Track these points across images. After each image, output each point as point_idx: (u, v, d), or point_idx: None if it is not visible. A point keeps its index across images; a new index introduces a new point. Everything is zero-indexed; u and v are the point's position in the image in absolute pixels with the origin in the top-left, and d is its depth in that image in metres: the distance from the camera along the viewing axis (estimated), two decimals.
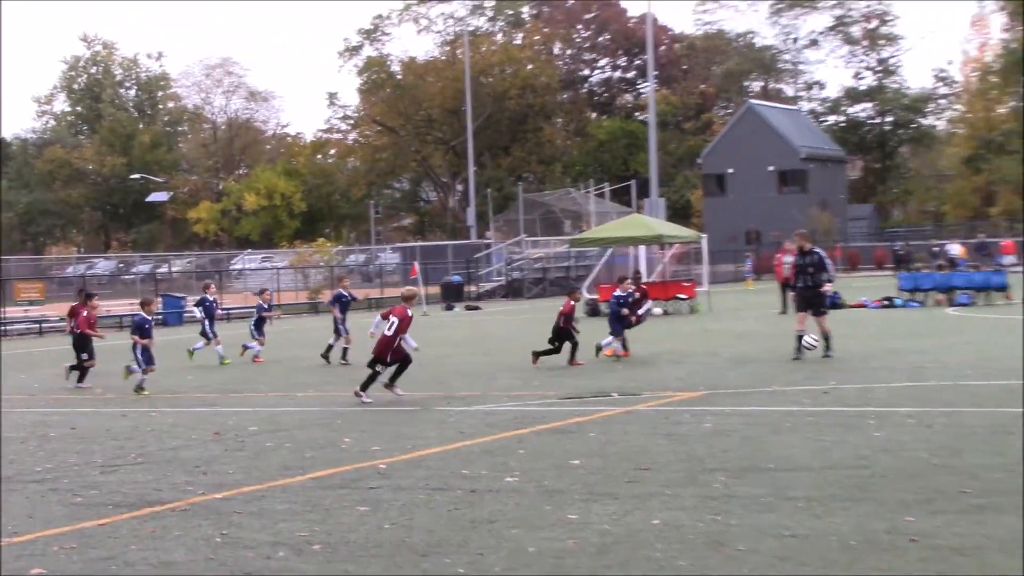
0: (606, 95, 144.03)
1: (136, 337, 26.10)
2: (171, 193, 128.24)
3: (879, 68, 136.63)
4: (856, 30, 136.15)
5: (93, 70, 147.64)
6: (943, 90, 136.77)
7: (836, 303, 30.62)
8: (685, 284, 53.06)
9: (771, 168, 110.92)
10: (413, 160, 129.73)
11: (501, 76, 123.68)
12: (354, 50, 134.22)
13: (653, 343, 33.25)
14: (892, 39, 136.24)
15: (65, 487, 14.61)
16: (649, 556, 10.39)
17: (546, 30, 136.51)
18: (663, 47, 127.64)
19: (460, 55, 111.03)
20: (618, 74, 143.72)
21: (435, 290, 65.97)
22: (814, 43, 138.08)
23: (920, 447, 15.40)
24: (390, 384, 22.34)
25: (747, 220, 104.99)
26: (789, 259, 40.83)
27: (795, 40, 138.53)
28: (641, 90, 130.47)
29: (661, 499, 12.71)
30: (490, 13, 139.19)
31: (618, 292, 30.94)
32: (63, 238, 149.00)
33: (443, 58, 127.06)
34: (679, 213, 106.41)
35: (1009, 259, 76.40)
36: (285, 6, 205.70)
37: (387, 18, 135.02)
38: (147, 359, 25.90)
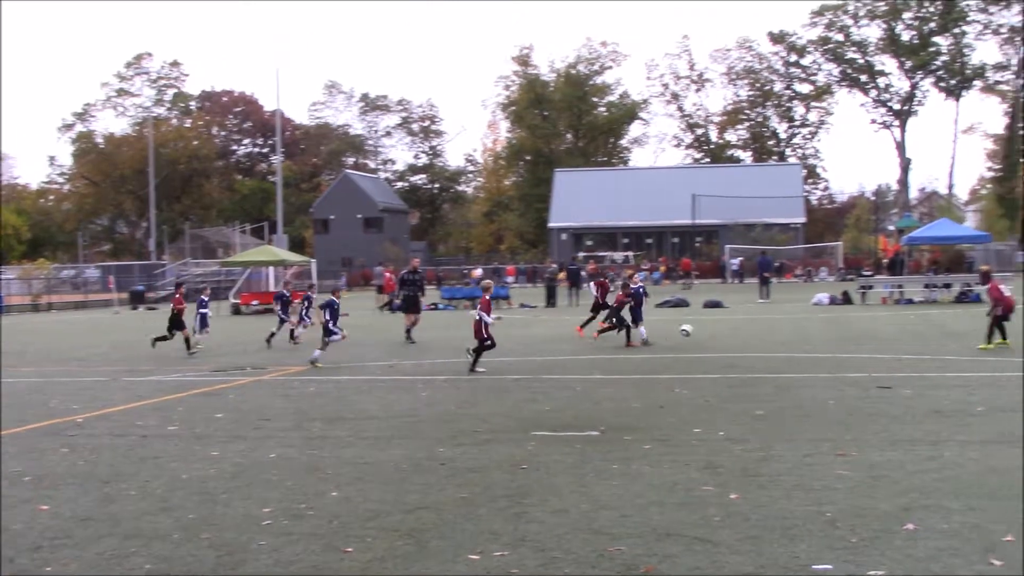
0: (248, 163, 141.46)
1: (326, 316, 22.46)
2: None
3: (430, 152, 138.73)
4: (415, 126, 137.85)
5: None
6: (471, 168, 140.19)
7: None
8: (301, 292, 52.52)
9: (359, 216, 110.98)
10: (111, 205, 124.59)
11: (175, 148, 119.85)
12: (69, 126, 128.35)
13: (279, 332, 32.68)
14: (438, 133, 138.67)
15: None
16: (267, 479, 10.23)
17: (207, 117, 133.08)
18: (288, 132, 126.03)
19: (146, 132, 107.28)
20: (256, 150, 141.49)
21: (125, 295, 63.42)
22: (388, 134, 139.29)
23: (450, 402, 15.66)
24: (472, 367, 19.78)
25: (343, 250, 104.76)
26: (389, 275, 41.15)
27: (376, 131, 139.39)
28: (272, 161, 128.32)
29: (276, 439, 12.54)
30: (168, 104, 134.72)
31: (634, 286, 25.84)
32: None
33: (134, 134, 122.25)
34: (297, 245, 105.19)
35: (511, 279, 78.92)
36: (17, 90, 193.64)
37: (93, 104, 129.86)
38: (331, 334, 22.33)
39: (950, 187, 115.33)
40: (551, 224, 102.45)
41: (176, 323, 26.79)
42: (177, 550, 7.73)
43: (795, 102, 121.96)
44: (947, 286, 44.00)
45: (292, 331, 29.23)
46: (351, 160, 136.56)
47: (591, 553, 7.43)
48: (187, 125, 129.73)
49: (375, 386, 17.99)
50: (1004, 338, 21.73)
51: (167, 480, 10.26)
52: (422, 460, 11.06)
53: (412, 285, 28.96)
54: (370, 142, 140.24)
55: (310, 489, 9.75)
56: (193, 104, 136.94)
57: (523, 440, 12.06)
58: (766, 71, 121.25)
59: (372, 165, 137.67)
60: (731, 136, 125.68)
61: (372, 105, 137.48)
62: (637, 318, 25.28)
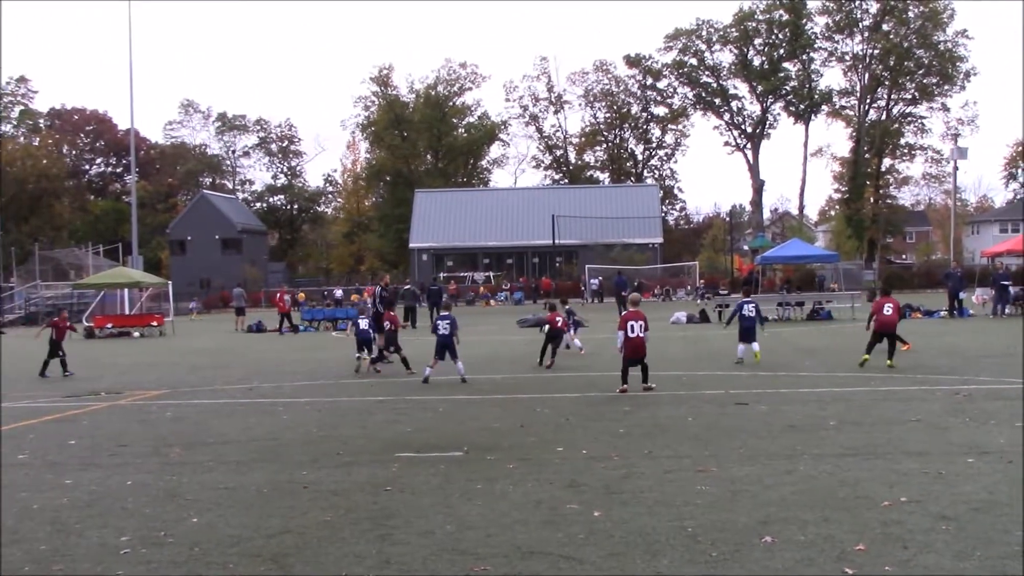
0: (101, 183, 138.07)
1: None
2: None
3: (289, 172, 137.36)
4: (274, 146, 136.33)
5: None
6: (330, 189, 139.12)
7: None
8: (157, 315, 51.62)
9: (217, 237, 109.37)
10: None
11: (23, 167, 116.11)
12: None
13: (135, 356, 31.98)
14: (297, 154, 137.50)
15: None
16: (123, 507, 9.97)
17: (57, 136, 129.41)
18: (142, 152, 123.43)
19: None
20: (109, 169, 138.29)
21: None
22: (247, 154, 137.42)
23: (312, 425, 15.48)
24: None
25: (200, 272, 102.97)
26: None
27: (233, 151, 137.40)
28: (126, 181, 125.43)
29: (134, 466, 12.23)
30: (14, 122, 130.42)
31: (747, 300, 24.28)
32: None
33: None
34: (153, 266, 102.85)
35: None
36: None
37: None
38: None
39: (801, 208, 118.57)
40: (412, 244, 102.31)
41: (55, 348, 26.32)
42: None
43: (652, 124, 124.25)
44: (799, 304, 45.24)
45: (380, 351, 25.36)
46: (208, 180, 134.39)
47: (457, 573, 7.43)
48: (36, 143, 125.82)
49: (234, 410, 17.69)
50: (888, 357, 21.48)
51: (17, 511, 9.91)
52: (284, 484, 10.92)
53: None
54: (227, 162, 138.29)
55: (169, 516, 9.52)
56: (42, 122, 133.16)
57: (387, 462, 11.98)
58: (623, 94, 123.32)
59: (230, 185, 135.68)
60: (589, 157, 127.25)
61: (229, 125, 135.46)
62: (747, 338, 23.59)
